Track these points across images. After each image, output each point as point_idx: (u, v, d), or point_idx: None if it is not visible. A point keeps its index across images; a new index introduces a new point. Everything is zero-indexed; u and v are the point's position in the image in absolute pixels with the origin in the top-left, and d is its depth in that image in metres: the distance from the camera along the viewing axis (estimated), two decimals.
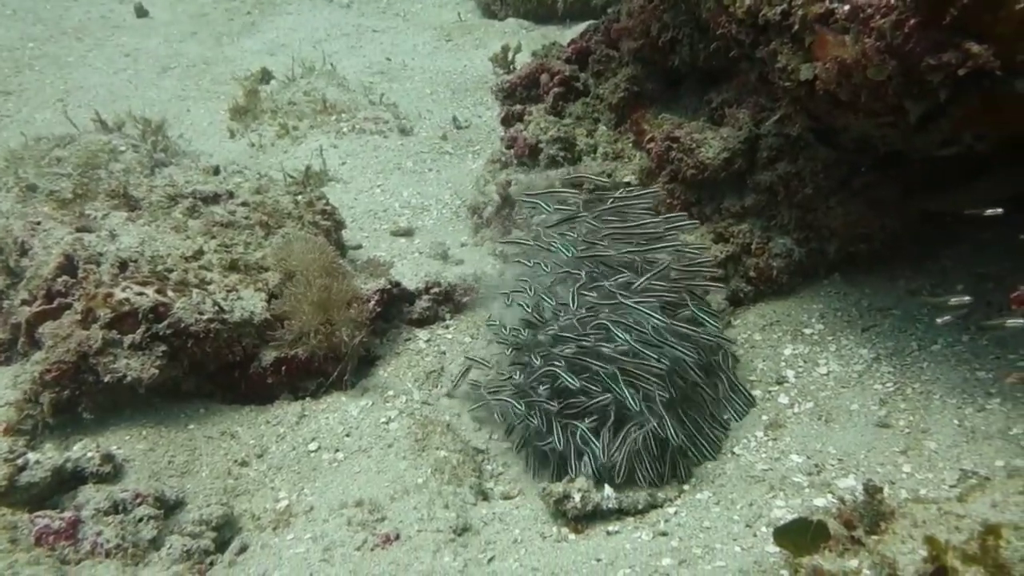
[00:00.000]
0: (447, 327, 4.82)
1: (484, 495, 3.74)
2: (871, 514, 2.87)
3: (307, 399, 4.23)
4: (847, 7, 2.99)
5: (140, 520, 3.20)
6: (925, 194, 4.06)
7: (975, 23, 2.73)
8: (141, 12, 10.13)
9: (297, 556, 3.29)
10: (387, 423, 4.07)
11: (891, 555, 2.64)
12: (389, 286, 4.65)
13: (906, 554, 2.63)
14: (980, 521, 2.65)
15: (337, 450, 3.92)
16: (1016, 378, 3.34)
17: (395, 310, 4.78)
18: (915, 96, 3.00)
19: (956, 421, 3.55)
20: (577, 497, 3.50)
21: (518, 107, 5.85)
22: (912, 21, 2.80)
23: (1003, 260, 4.10)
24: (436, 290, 4.88)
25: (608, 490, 3.55)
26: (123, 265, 3.98)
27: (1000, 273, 4.08)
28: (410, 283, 4.92)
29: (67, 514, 3.18)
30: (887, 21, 2.85)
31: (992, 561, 2.45)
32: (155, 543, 3.19)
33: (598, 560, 3.22)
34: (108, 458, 3.51)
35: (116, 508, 3.23)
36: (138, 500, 3.27)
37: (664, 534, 3.37)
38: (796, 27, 3.30)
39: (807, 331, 4.35)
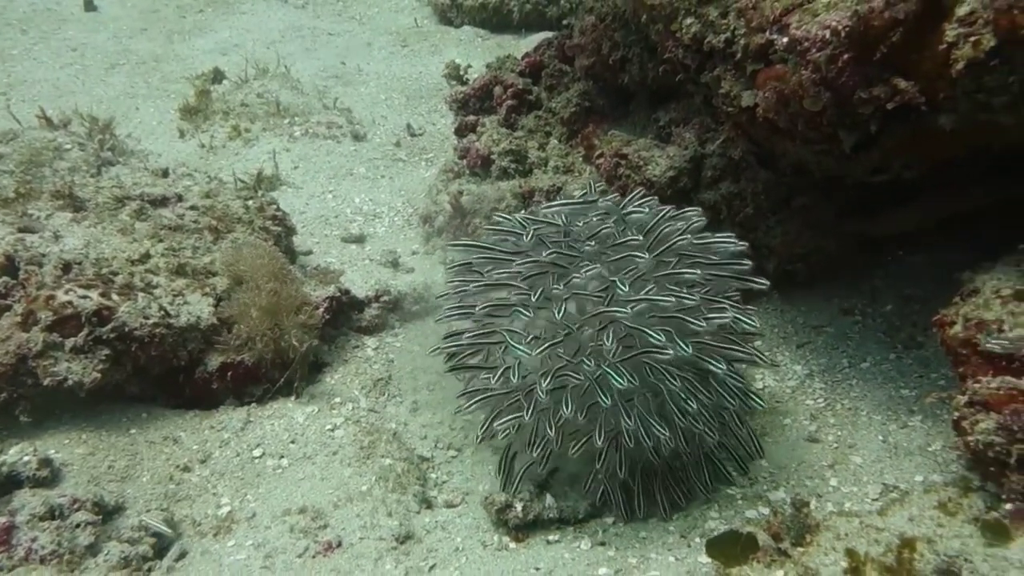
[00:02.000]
0: (396, 335, 4.86)
1: (428, 503, 3.78)
2: (797, 527, 3.00)
3: (253, 405, 4.22)
4: (785, 39, 3.12)
5: (77, 526, 3.17)
6: (859, 217, 4.23)
7: (903, 60, 2.88)
8: (89, 6, 9.93)
9: (238, 563, 3.30)
10: (333, 430, 4.09)
11: (814, 567, 2.77)
12: (338, 293, 4.67)
13: (828, 566, 2.75)
14: (898, 534, 2.80)
15: (282, 456, 3.93)
16: (935, 397, 3.51)
17: (344, 317, 4.81)
18: (848, 126, 3.15)
19: (881, 437, 3.71)
20: (519, 506, 3.56)
21: (471, 118, 5.92)
22: (845, 56, 2.94)
23: (928, 282, 4.30)
24: (386, 298, 4.92)
25: (549, 499, 3.62)
26: (67, 267, 3.94)
27: (925, 295, 4.27)
28: (360, 290, 4.94)
29: (1, 519, 3.13)
30: (822, 55, 2.98)
31: (907, 573, 2.59)
32: (92, 549, 3.15)
33: (537, 569, 3.29)
34: (45, 462, 3.46)
35: (52, 514, 3.19)
36: (75, 505, 3.24)
37: (602, 544, 3.46)
38: (739, 55, 3.44)
39: None
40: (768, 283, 3.48)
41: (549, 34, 6.19)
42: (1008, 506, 2.70)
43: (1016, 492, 2.72)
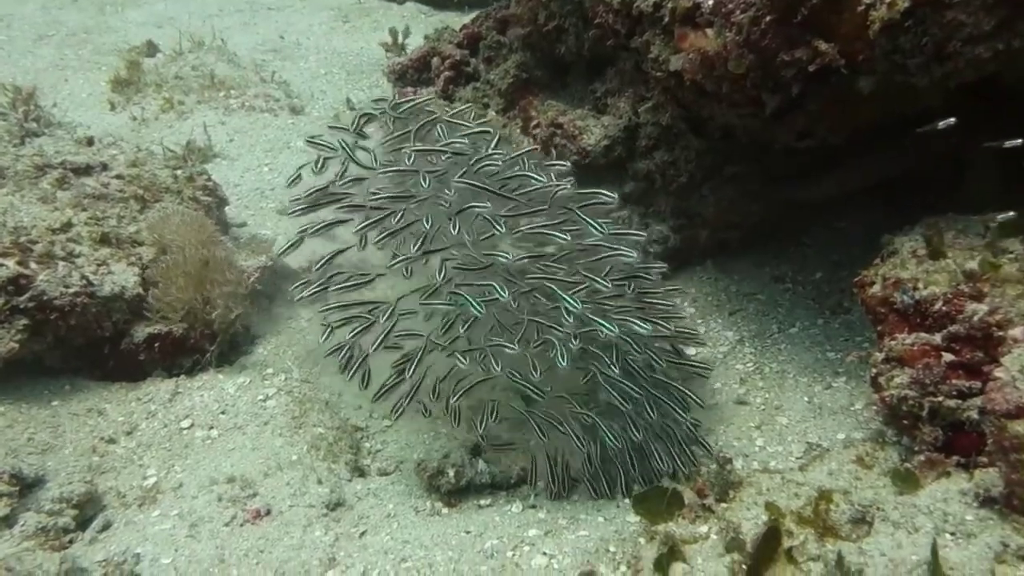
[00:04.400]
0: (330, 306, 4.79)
1: (361, 471, 3.77)
2: (721, 483, 3.05)
3: (182, 376, 4.14)
4: (711, 2, 3.13)
5: None
6: (788, 184, 4.30)
7: (823, 22, 2.92)
8: None
9: (162, 532, 3.24)
10: (264, 401, 4.04)
11: (737, 520, 2.82)
12: (271, 263, 4.60)
13: (750, 520, 2.81)
14: (816, 488, 2.86)
15: (211, 427, 3.86)
16: (856, 356, 3.59)
17: (277, 288, 4.74)
18: (771, 89, 3.18)
19: (806, 398, 3.79)
20: (451, 472, 3.56)
21: (409, 89, 5.86)
22: (768, 18, 2.97)
23: (856, 248, 4.38)
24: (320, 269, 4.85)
25: (482, 465, 3.63)
26: None
27: (853, 261, 4.35)
28: (294, 262, 4.87)
29: None
30: (745, 17, 3.01)
31: (822, 523, 2.65)
32: (8, 520, 3.07)
33: (468, 532, 3.29)
34: None
35: None
36: None
37: (533, 507, 3.49)
38: (667, 19, 3.45)
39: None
40: (616, 196, 3.48)
41: (489, 7, 6.13)
42: (920, 457, 2.78)
43: (927, 443, 2.79)
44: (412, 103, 3.75)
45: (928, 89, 2.96)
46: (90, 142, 4.88)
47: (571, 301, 3.17)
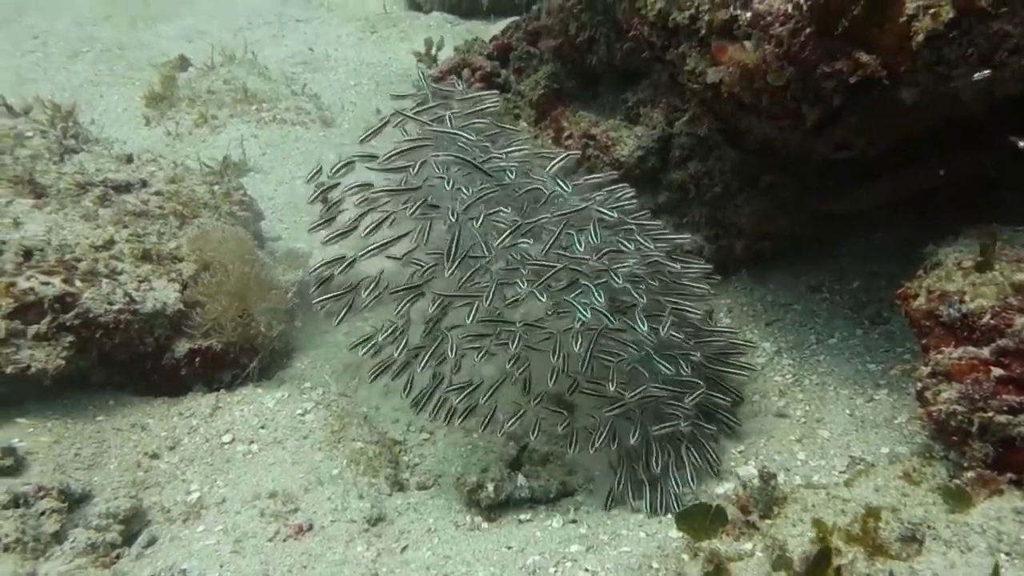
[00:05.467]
0: (366, 319, 4.82)
1: (400, 485, 3.78)
2: (765, 499, 3.02)
3: (222, 391, 4.20)
4: (749, 14, 3.12)
5: (42, 514, 3.12)
6: (823, 195, 4.26)
7: (864, 34, 2.89)
8: None
9: (207, 548, 3.27)
10: (303, 415, 4.07)
11: (782, 538, 2.78)
12: (307, 277, 4.64)
13: (795, 536, 2.77)
14: (863, 504, 2.82)
15: (252, 442, 3.90)
16: (899, 370, 3.55)
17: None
18: (811, 101, 3.15)
19: (848, 411, 3.75)
20: (490, 487, 3.57)
21: (453, 78, 5.88)
22: (808, 30, 2.95)
23: (893, 258, 4.34)
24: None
25: (521, 479, 3.63)
26: (28, 254, 3.86)
27: (891, 271, 4.31)
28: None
29: None
30: (785, 29, 2.99)
31: (871, 541, 2.62)
32: (58, 536, 3.11)
33: (509, 547, 3.30)
34: (9, 451, 3.40)
35: (16, 502, 3.13)
36: (41, 493, 3.19)
37: (574, 521, 3.48)
38: (703, 32, 3.44)
39: None
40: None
41: (519, 18, 6.15)
42: (970, 473, 2.73)
43: (978, 459, 2.75)
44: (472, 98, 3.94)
45: (972, 100, 2.93)
46: (129, 159, 4.95)
47: (596, 293, 3.28)
